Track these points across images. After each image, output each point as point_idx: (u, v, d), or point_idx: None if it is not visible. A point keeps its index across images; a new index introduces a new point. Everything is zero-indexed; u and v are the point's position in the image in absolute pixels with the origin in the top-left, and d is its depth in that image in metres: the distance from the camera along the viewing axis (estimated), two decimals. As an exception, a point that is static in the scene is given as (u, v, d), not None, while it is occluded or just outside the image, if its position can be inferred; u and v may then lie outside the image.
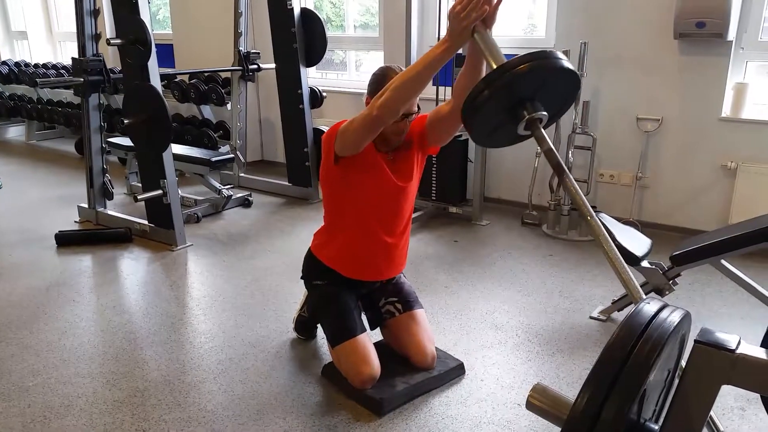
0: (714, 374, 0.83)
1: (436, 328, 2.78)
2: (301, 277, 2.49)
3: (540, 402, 0.95)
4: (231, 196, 4.58)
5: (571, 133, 3.99)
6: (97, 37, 3.82)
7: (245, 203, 4.72)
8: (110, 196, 4.27)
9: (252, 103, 5.64)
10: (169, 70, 5.81)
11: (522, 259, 3.67)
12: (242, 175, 5.24)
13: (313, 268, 2.41)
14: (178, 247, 3.82)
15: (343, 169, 2.16)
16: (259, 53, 5.00)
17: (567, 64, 1.50)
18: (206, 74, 5.44)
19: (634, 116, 3.95)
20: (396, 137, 2.19)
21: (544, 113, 1.50)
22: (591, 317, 2.91)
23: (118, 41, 3.43)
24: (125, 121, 3.56)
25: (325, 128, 4.66)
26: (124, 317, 2.95)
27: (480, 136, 1.63)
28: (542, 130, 1.51)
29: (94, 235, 3.96)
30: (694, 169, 3.86)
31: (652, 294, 2.74)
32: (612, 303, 2.91)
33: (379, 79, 2.10)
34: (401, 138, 2.21)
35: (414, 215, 4.25)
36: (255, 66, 4.94)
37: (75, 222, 4.33)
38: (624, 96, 3.98)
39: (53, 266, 3.57)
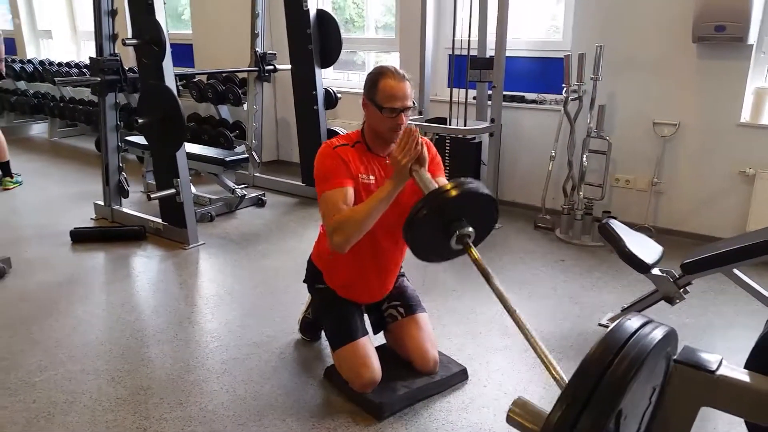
0: (693, 395, 0.80)
1: (442, 332, 2.76)
2: (304, 281, 2.49)
3: (519, 417, 0.93)
4: (244, 195, 4.60)
5: (586, 137, 3.94)
6: (114, 37, 3.87)
7: (259, 203, 4.74)
8: (125, 194, 4.32)
9: (269, 103, 5.67)
10: (188, 70, 5.89)
11: (533, 263, 3.63)
12: (257, 174, 5.27)
13: (315, 274, 2.41)
14: (191, 246, 3.85)
15: None
16: (275, 54, 5.02)
17: (484, 189, 1.86)
18: (224, 74, 5.49)
19: (651, 121, 3.89)
20: (393, 133, 2.14)
21: (471, 229, 1.82)
22: (600, 324, 2.87)
23: (134, 41, 3.48)
24: (140, 120, 3.60)
25: (340, 130, 4.67)
26: (133, 315, 2.98)
27: (420, 251, 1.92)
28: (471, 244, 1.82)
29: (108, 233, 4.01)
30: (712, 175, 3.78)
31: (662, 303, 2.70)
32: (621, 310, 2.86)
33: (374, 79, 2.09)
34: (399, 134, 2.16)
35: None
36: (271, 67, 4.96)
37: (91, 219, 4.38)
38: (640, 100, 3.92)
39: (67, 263, 3.62)
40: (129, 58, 4.72)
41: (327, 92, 4.73)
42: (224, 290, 3.27)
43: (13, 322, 2.90)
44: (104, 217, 4.37)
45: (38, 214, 4.54)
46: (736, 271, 2.52)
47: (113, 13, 3.81)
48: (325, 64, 4.62)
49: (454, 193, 1.79)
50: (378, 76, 2.08)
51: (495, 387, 2.36)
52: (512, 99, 4.45)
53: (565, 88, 3.87)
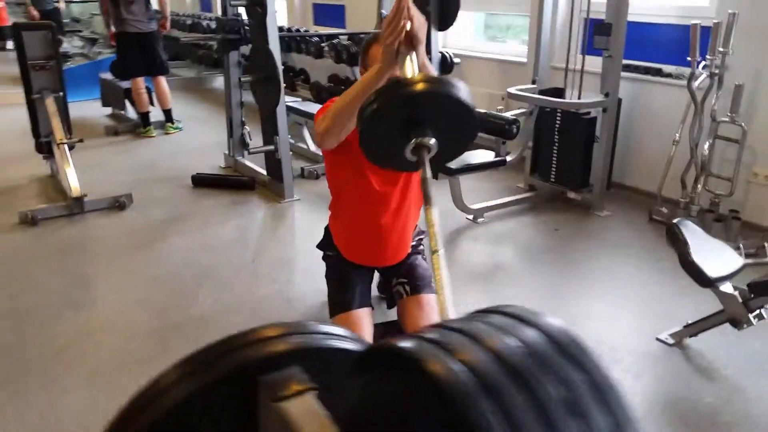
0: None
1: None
2: (317, 246, 2.50)
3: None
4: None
5: (713, 122, 3.36)
6: (236, -2, 4.14)
7: (368, 165, 4.81)
8: (247, 147, 4.66)
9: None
10: (336, 30, 6.10)
11: (621, 260, 3.25)
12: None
13: (326, 239, 2.42)
14: (285, 200, 4.06)
15: (329, 150, 2.12)
16: (400, 16, 4.97)
17: (464, 96, 1.34)
18: (361, 36, 5.58)
19: (800, 106, 3.19)
20: None
21: (432, 141, 1.36)
22: (657, 339, 2.50)
23: (241, 2, 3.70)
24: (245, 78, 3.85)
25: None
26: (205, 258, 3.25)
27: (371, 152, 1.51)
28: (426, 159, 1.37)
29: (222, 180, 4.39)
30: None
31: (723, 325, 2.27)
32: (684, 327, 2.46)
33: (366, 46, 2.00)
34: None
35: (524, 196, 4.02)
36: (395, 29, 4.93)
37: (220, 167, 4.82)
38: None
39: (179, 204, 4.05)
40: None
41: (443, 56, 4.59)
42: (293, 249, 3.43)
43: (114, 249, 3.36)
44: (230, 166, 4.78)
45: (181, 157, 5.09)
46: (822, 301, 2.03)
47: (235, -25, 4.07)
48: (443, 26, 4.46)
49: (420, 88, 1.36)
50: (370, 41, 1.98)
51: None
52: (647, 71, 3.93)
53: (691, 63, 3.32)
